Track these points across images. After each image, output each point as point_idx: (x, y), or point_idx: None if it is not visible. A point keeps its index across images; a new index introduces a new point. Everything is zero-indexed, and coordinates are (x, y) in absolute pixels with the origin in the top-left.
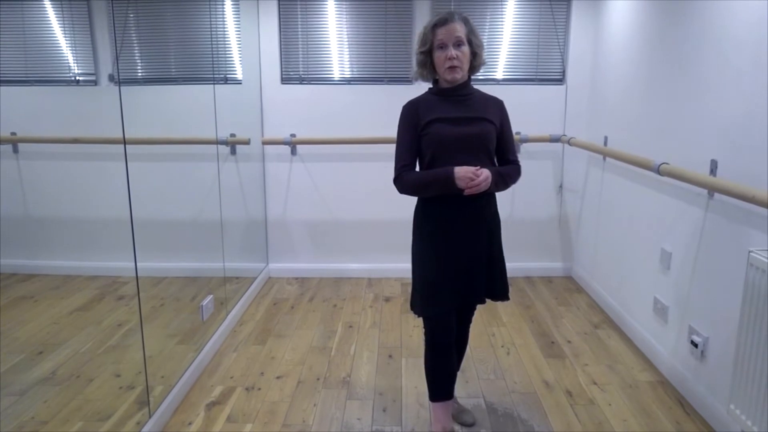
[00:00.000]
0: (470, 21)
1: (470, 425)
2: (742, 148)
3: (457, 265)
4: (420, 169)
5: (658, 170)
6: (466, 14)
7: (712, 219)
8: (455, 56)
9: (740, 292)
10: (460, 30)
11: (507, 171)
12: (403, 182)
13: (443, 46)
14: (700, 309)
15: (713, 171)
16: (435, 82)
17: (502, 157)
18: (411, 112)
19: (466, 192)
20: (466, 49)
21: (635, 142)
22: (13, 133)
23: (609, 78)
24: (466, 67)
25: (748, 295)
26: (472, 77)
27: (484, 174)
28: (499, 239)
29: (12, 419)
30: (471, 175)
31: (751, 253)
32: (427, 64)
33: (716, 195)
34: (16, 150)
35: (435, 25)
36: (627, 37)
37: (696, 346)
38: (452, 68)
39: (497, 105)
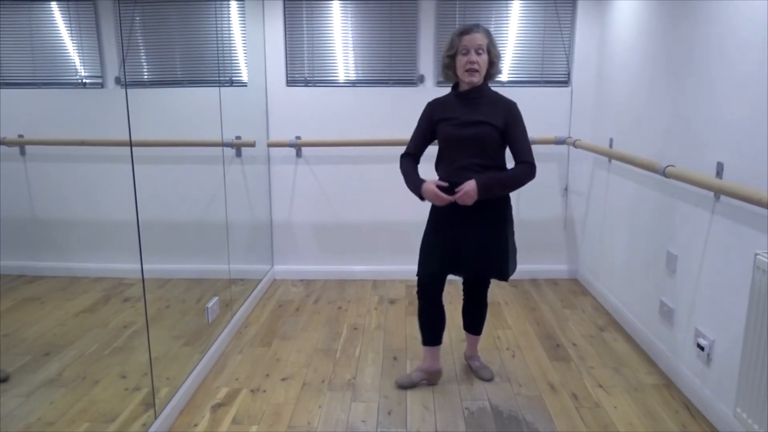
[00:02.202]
0: (491, 34)
1: (488, 380)
2: (748, 151)
3: (445, 239)
4: (438, 153)
5: (663, 173)
6: (486, 26)
7: (718, 221)
8: (475, 61)
9: (746, 295)
10: (481, 39)
11: (508, 174)
12: (401, 165)
13: (466, 52)
14: (707, 312)
15: (719, 173)
16: (455, 86)
17: (515, 158)
18: (430, 110)
19: (461, 202)
20: (485, 56)
21: (641, 144)
22: (21, 136)
23: (614, 80)
24: (483, 72)
25: (754, 298)
26: (489, 82)
27: (462, 191)
28: (499, 227)
29: (18, 420)
30: (434, 194)
31: (757, 256)
32: (451, 67)
33: (722, 197)
34: (23, 152)
35: (461, 33)
36: (632, 39)
37: (702, 349)
38: (471, 71)
39: (505, 108)
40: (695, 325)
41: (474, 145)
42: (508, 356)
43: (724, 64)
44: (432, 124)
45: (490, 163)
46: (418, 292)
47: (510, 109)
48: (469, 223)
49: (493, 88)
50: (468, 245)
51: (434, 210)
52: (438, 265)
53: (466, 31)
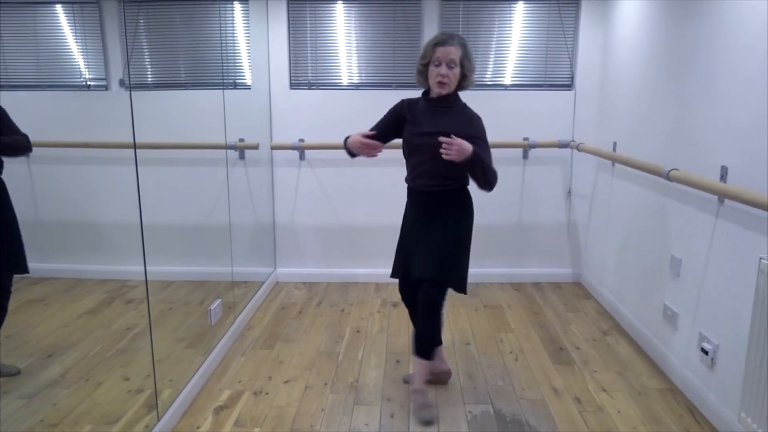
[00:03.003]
0: (467, 46)
1: (427, 422)
2: (752, 154)
3: (408, 244)
4: (402, 154)
5: (667, 176)
6: (465, 37)
7: (723, 225)
8: (446, 74)
9: (751, 299)
10: (455, 53)
11: (489, 164)
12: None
13: (438, 64)
14: (711, 316)
15: (723, 177)
16: (427, 91)
17: None
18: (401, 107)
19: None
20: (457, 70)
21: (644, 148)
22: None
23: (618, 83)
24: (453, 85)
25: (759, 302)
26: (459, 92)
27: (458, 141)
28: (457, 234)
29: (21, 422)
30: (360, 143)
31: (762, 260)
32: (424, 74)
33: (726, 201)
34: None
35: (436, 44)
36: (636, 42)
37: (706, 353)
38: (441, 84)
39: (469, 121)
40: (699, 329)
41: (431, 152)
42: (511, 359)
43: (728, 67)
44: (398, 120)
45: (449, 171)
46: None
47: (473, 123)
48: (428, 221)
49: (496, 92)
50: (423, 244)
51: (405, 211)
52: (402, 264)
53: (441, 42)
